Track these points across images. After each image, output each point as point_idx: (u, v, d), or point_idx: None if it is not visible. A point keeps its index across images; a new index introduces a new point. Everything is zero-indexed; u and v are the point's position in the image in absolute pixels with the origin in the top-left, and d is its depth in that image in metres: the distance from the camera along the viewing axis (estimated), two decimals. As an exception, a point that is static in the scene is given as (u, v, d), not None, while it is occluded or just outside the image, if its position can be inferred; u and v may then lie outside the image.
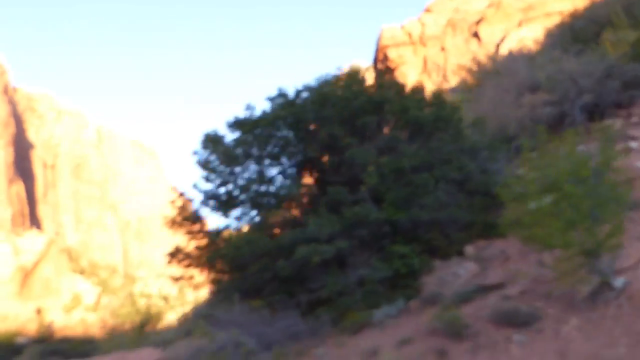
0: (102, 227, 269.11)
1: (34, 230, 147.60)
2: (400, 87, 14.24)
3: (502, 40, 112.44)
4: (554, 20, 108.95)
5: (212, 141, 13.51)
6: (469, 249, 11.40)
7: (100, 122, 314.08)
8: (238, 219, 13.30)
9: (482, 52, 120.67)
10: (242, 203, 13.07)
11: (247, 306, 10.70)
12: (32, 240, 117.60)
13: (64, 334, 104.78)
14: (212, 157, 13.47)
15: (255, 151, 12.92)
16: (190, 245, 13.96)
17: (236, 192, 13.08)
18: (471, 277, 10.11)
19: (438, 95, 13.55)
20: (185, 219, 13.91)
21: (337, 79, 13.96)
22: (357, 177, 11.92)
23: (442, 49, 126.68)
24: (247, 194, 12.84)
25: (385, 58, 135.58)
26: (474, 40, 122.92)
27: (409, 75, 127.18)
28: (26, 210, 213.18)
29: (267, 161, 13.13)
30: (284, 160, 13.27)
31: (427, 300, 9.89)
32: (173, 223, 14.19)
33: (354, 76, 14.10)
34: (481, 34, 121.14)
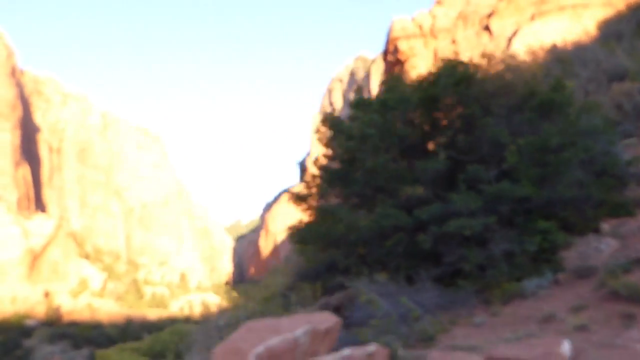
0: (106, 212, 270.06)
1: (42, 214, 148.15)
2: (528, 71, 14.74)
3: (514, 34, 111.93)
4: (568, 14, 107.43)
5: (330, 121, 14.61)
6: (605, 226, 12.11)
7: (105, 107, 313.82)
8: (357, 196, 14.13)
9: (494, 45, 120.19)
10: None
11: (377, 278, 11.35)
12: (41, 224, 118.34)
13: (72, 318, 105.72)
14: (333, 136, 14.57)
15: (380, 131, 13.57)
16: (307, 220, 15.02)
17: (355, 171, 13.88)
18: (613, 252, 10.79)
19: (558, 79, 14.08)
20: (311, 194, 14.93)
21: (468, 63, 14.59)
22: (492, 155, 12.56)
23: (453, 41, 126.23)
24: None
25: (396, 50, 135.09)
26: (485, 34, 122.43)
27: (419, 68, 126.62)
28: (32, 193, 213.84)
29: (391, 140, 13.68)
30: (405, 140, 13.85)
31: (577, 272, 10.60)
32: (298, 198, 15.27)
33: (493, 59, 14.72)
34: (492, 27, 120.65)
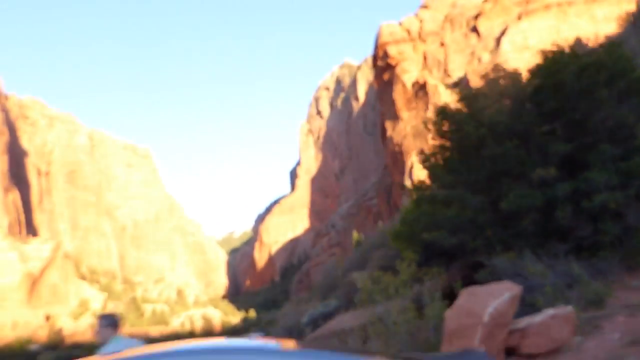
0: (98, 232, 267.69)
1: (38, 237, 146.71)
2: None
3: (502, 34, 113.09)
4: (554, 13, 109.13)
5: (449, 113, 15.55)
6: None
7: (92, 127, 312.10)
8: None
9: (482, 46, 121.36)
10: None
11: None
12: (38, 247, 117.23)
13: (74, 340, 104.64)
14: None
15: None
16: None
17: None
18: None
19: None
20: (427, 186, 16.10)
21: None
22: (616, 136, 13.55)
23: (442, 44, 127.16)
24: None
25: (385, 55, 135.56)
26: (473, 35, 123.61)
27: (409, 71, 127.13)
28: (22, 218, 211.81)
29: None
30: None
31: None
32: (417, 189, 16.56)
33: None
34: (480, 28, 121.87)
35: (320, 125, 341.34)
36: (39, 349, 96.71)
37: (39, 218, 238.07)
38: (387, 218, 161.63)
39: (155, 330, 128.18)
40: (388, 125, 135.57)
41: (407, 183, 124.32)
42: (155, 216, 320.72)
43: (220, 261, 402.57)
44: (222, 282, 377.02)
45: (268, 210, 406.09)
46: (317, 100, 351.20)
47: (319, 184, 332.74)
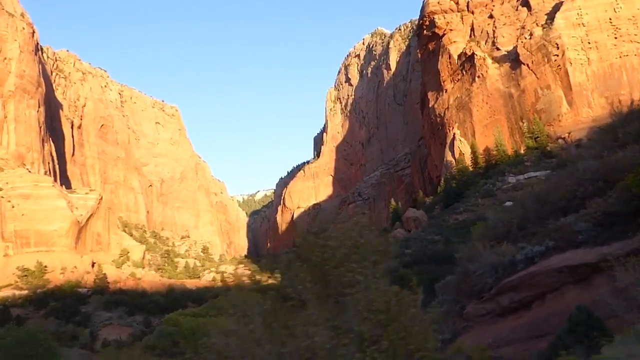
0: (127, 187, 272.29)
1: (84, 187, 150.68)
2: None
3: (555, 9, 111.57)
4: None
5: None
6: None
7: (122, 83, 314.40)
8: None
9: (533, 21, 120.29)
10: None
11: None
12: (83, 197, 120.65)
13: (118, 287, 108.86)
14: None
15: None
16: None
17: None
18: None
19: None
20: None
21: None
22: None
23: (491, 16, 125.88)
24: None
25: (432, 24, 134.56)
26: (524, 9, 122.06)
27: (456, 42, 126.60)
28: (57, 169, 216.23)
29: None
30: None
31: None
32: None
33: None
34: (532, 2, 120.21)
35: (349, 92, 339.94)
36: (87, 293, 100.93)
37: (71, 170, 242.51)
38: (421, 189, 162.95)
39: (190, 283, 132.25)
40: (430, 96, 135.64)
41: (448, 156, 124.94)
42: (182, 174, 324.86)
43: (241, 222, 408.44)
44: (242, 242, 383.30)
45: (290, 174, 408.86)
46: (346, 67, 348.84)
47: (344, 152, 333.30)
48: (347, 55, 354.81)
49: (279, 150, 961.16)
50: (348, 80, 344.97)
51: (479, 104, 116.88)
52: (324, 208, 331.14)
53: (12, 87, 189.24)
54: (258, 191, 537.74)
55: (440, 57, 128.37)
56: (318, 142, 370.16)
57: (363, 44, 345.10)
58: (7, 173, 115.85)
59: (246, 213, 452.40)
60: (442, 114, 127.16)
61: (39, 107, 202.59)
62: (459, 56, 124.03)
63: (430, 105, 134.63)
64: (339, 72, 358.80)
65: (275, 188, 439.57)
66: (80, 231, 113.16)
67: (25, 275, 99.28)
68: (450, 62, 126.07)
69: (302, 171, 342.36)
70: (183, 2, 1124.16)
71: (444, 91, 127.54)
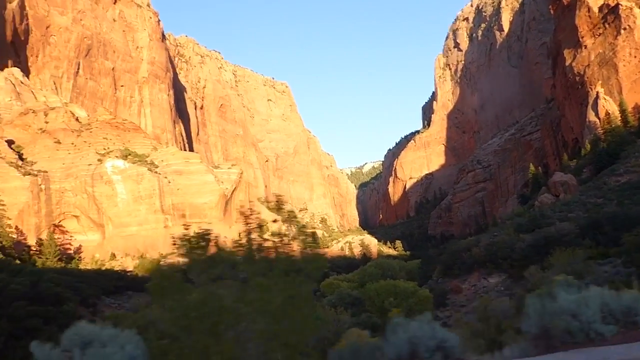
0: (246, 163, 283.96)
1: (226, 163, 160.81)
2: None
3: None
4: None
5: None
6: None
7: (235, 63, 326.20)
8: None
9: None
10: None
11: None
12: (227, 171, 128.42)
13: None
14: None
15: None
16: None
17: None
18: None
19: None
20: None
21: None
22: None
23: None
24: None
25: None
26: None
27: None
28: (187, 148, 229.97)
29: None
30: None
31: None
32: None
33: None
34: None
35: (458, 58, 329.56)
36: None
37: (197, 149, 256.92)
38: (553, 154, 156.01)
39: (324, 252, 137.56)
40: (566, 53, 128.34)
41: (591, 116, 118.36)
42: (294, 149, 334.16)
43: (351, 195, 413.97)
44: (353, 214, 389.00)
45: (399, 145, 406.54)
46: (454, 32, 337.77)
47: (455, 120, 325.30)
48: (455, 20, 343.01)
49: (385, 122, 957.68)
50: (457, 45, 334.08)
51: (626, 58, 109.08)
52: (437, 178, 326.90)
53: (145, 73, 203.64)
54: (365, 163, 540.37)
55: (577, 10, 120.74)
56: (427, 111, 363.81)
57: (471, 6, 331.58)
58: (160, 152, 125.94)
59: (355, 185, 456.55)
60: (582, 72, 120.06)
61: (168, 90, 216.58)
62: (600, 8, 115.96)
63: (566, 64, 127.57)
64: (447, 37, 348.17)
65: (383, 160, 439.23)
66: (227, 203, 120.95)
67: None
68: (589, 16, 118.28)
69: (412, 141, 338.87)
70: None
71: (583, 47, 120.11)
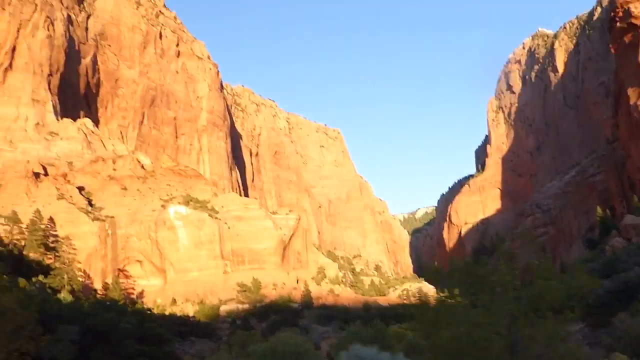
0: (300, 209, 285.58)
1: (283, 209, 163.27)
2: None
3: None
4: None
5: None
6: None
7: (289, 111, 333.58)
8: None
9: None
10: None
11: None
12: (284, 217, 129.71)
13: (320, 303, 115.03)
14: None
15: None
16: None
17: None
18: None
19: None
20: None
21: None
22: None
23: None
24: None
25: (626, 15, 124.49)
26: None
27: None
28: (242, 194, 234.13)
29: None
30: None
31: None
32: None
33: None
34: None
35: (512, 100, 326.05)
36: (299, 307, 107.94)
37: (251, 194, 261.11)
38: (619, 196, 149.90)
39: (381, 300, 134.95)
40: (630, 92, 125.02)
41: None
42: (347, 195, 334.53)
43: (404, 241, 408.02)
44: (407, 261, 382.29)
45: (452, 190, 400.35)
46: (506, 74, 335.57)
47: (511, 163, 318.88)
48: (507, 62, 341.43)
49: (438, 166, 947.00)
50: (509, 87, 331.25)
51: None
52: (494, 223, 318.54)
53: (204, 122, 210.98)
54: (418, 209, 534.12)
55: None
56: (480, 154, 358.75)
57: (523, 48, 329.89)
58: (220, 198, 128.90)
59: (408, 231, 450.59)
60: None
61: (226, 138, 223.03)
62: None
63: (631, 103, 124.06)
64: (499, 80, 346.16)
65: (436, 205, 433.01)
66: (285, 249, 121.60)
67: (244, 291, 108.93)
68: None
69: (466, 186, 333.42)
70: (336, 33, 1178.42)
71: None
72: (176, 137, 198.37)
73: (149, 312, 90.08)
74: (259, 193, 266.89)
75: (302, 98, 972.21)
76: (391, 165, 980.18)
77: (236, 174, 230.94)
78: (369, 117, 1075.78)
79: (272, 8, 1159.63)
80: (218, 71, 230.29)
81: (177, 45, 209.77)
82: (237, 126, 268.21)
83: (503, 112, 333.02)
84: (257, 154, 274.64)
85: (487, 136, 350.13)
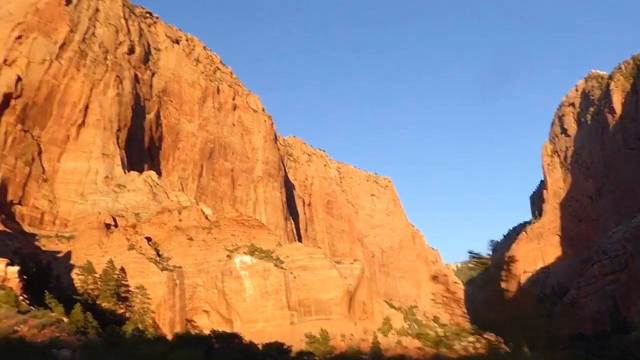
0: (347, 259, 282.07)
1: (347, 258, 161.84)
2: None
3: None
4: None
5: None
6: None
7: (339, 160, 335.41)
8: None
9: None
10: None
11: None
12: (349, 267, 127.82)
13: (389, 355, 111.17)
14: None
15: None
16: None
17: None
18: None
19: None
20: None
21: None
22: None
23: None
24: None
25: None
26: None
27: None
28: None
29: None
30: None
31: None
32: None
33: None
34: None
35: (567, 144, 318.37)
36: (369, 359, 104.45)
37: (305, 244, 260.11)
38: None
39: (450, 352, 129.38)
40: None
41: None
42: (399, 244, 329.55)
43: (460, 291, 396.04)
44: (463, 312, 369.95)
45: (507, 237, 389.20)
46: (560, 118, 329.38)
47: (570, 208, 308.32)
48: (560, 106, 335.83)
49: (489, 214, 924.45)
50: (564, 131, 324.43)
51: None
52: (554, 271, 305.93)
53: (260, 172, 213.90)
54: (470, 258, 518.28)
55: None
56: (536, 200, 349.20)
57: (576, 90, 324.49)
58: (285, 247, 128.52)
59: (462, 281, 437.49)
60: None
61: (280, 188, 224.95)
62: None
63: None
64: (553, 124, 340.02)
65: (490, 253, 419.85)
66: (351, 299, 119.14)
67: (313, 342, 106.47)
68: None
69: (523, 233, 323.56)
70: (380, 81, 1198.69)
71: None
72: (233, 187, 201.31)
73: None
74: (312, 243, 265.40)
75: (352, 147, 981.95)
76: (443, 213, 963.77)
77: (291, 223, 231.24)
78: (418, 164, 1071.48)
79: (319, 61, 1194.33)
80: (272, 123, 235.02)
81: (234, 99, 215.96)
82: (290, 176, 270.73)
83: (558, 156, 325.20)
84: (309, 204, 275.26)
85: (542, 181, 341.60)
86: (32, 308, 59.31)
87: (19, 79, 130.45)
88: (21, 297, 60.44)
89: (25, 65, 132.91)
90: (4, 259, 71.15)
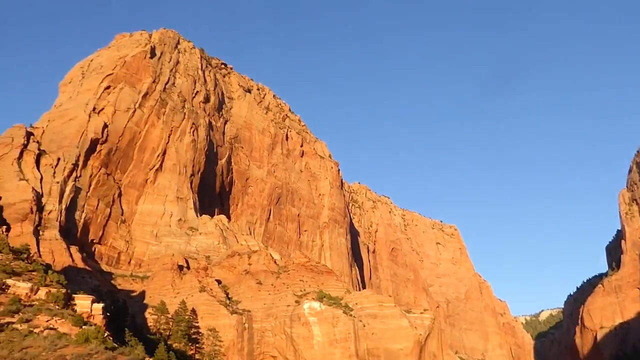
0: (418, 308, 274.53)
1: (418, 307, 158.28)
2: None
3: None
4: None
5: None
6: None
7: (404, 207, 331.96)
8: None
9: None
10: None
11: None
12: (420, 316, 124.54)
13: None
14: None
15: None
16: None
17: None
18: None
19: None
20: None
21: None
22: None
23: None
24: None
25: None
26: None
27: None
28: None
29: None
30: None
31: None
32: None
33: None
34: None
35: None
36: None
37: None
38: None
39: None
40: None
41: None
42: (466, 294, 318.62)
43: (529, 345, 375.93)
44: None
45: (581, 290, 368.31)
46: (638, 164, 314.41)
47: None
48: (637, 152, 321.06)
49: (562, 264, 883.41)
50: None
51: None
52: (635, 327, 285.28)
53: (326, 218, 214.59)
54: (542, 310, 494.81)
55: None
56: (613, 251, 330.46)
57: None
58: (354, 295, 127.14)
59: (531, 335, 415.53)
60: None
61: (346, 235, 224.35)
62: None
63: None
64: (630, 170, 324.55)
65: (563, 307, 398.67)
66: (421, 350, 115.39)
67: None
68: None
69: (599, 285, 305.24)
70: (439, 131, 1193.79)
71: None
72: (299, 233, 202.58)
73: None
74: (376, 290, 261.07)
75: (417, 194, 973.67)
76: (511, 263, 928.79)
77: (355, 270, 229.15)
78: (485, 213, 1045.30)
79: (381, 107, 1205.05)
80: (339, 169, 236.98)
81: (302, 145, 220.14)
82: (355, 223, 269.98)
83: (637, 204, 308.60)
84: (374, 251, 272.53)
85: (619, 230, 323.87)
86: (116, 345, 60.86)
87: (105, 125, 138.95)
88: (106, 334, 62.13)
89: (112, 113, 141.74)
90: (90, 296, 73.88)
